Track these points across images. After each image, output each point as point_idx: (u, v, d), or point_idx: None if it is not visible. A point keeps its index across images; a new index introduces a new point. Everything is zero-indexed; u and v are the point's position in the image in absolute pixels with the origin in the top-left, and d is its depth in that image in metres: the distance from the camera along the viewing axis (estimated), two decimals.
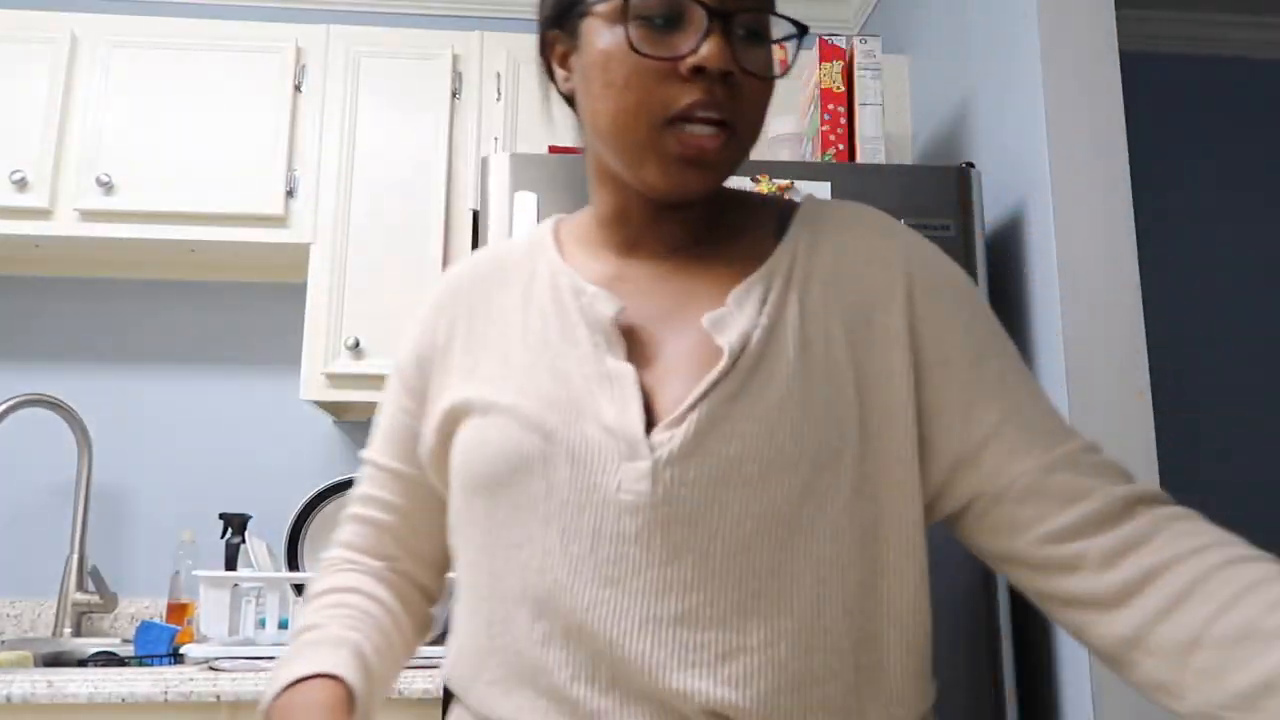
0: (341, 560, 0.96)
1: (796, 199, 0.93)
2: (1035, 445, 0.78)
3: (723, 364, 0.77)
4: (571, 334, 0.82)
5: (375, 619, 0.90)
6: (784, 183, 1.81)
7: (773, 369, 0.78)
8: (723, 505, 0.74)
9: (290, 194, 2.28)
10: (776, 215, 0.91)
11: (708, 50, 0.77)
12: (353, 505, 0.98)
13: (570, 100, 0.89)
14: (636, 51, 0.78)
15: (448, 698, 1.55)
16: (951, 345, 0.81)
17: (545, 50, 0.90)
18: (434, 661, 1.78)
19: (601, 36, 0.81)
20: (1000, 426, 0.79)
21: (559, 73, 0.89)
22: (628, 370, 0.79)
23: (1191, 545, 0.70)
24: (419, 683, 1.72)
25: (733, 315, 0.81)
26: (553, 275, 0.87)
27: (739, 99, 0.79)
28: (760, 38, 0.81)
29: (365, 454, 0.98)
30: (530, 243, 0.93)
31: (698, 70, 0.77)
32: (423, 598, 0.98)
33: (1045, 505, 0.76)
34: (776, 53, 0.84)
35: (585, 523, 0.75)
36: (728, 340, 0.79)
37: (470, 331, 0.89)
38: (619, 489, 0.74)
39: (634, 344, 0.82)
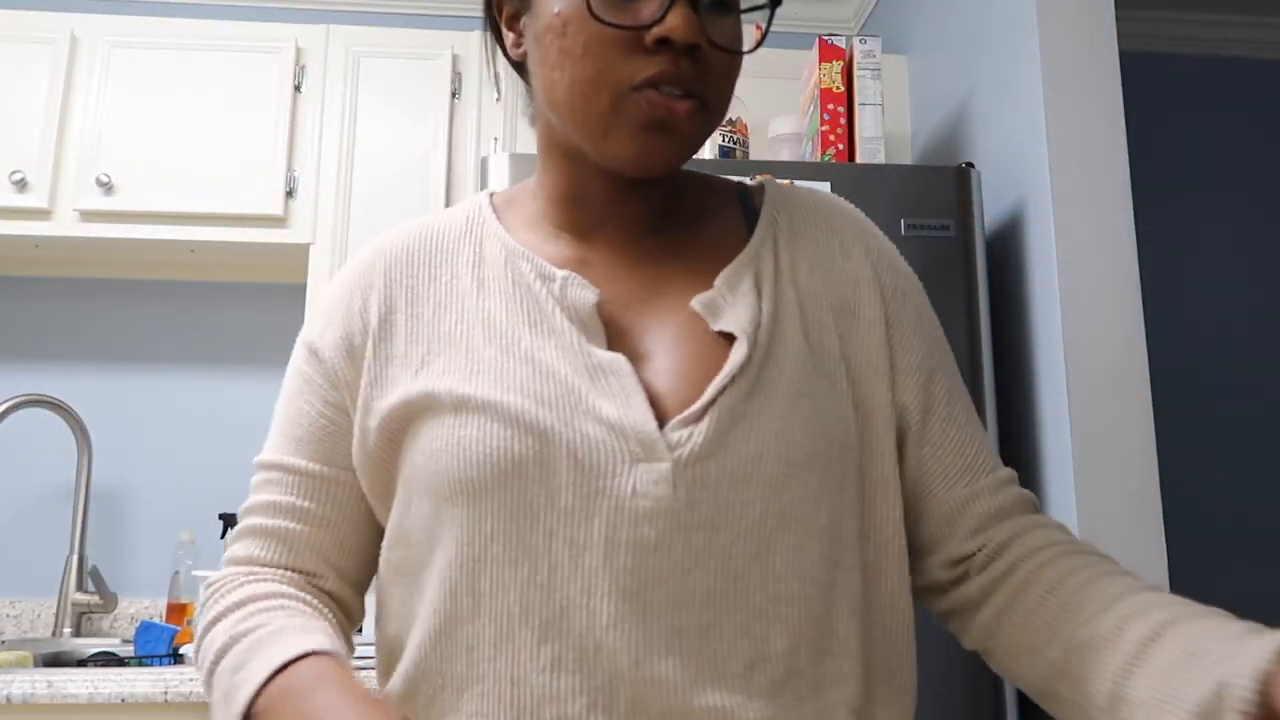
0: (245, 574, 0.79)
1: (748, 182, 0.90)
2: (964, 474, 0.80)
3: (741, 354, 0.73)
4: (546, 323, 0.75)
5: (325, 619, 0.77)
6: (784, 183, 1.80)
7: (781, 360, 0.74)
8: (744, 507, 0.69)
9: (290, 194, 2.28)
10: (737, 197, 0.86)
11: (674, 20, 0.70)
12: (250, 516, 0.82)
13: (520, 67, 0.83)
14: (596, 18, 0.71)
15: None
16: (912, 355, 0.81)
17: (492, 10, 0.84)
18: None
19: None
20: (939, 448, 0.80)
21: (508, 36, 0.82)
22: (621, 361, 0.72)
23: (1036, 544, 0.77)
24: None
25: (725, 300, 0.76)
26: (508, 258, 0.79)
27: (706, 73, 0.73)
28: (727, 7, 0.75)
29: (265, 457, 0.83)
30: (466, 220, 0.84)
31: (662, 41, 0.71)
32: (346, 620, 0.83)
33: (955, 532, 0.80)
34: (753, 30, 0.79)
35: (596, 532, 0.68)
36: (740, 327, 0.74)
37: (413, 317, 0.79)
38: (634, 493, 0.68)
39: (613, 333, 0.75)
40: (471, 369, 0.74)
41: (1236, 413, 2.82)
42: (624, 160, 0.74)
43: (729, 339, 0.74)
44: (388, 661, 0.78)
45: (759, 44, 0.77)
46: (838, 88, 2.03)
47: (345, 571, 0.82)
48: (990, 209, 2.00)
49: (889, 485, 0.78)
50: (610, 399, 0.71)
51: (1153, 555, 1.66)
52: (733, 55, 0.75)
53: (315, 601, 0.79)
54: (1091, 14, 1.84)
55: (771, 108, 2.31)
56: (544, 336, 0.74)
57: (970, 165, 1.88)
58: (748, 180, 0.90)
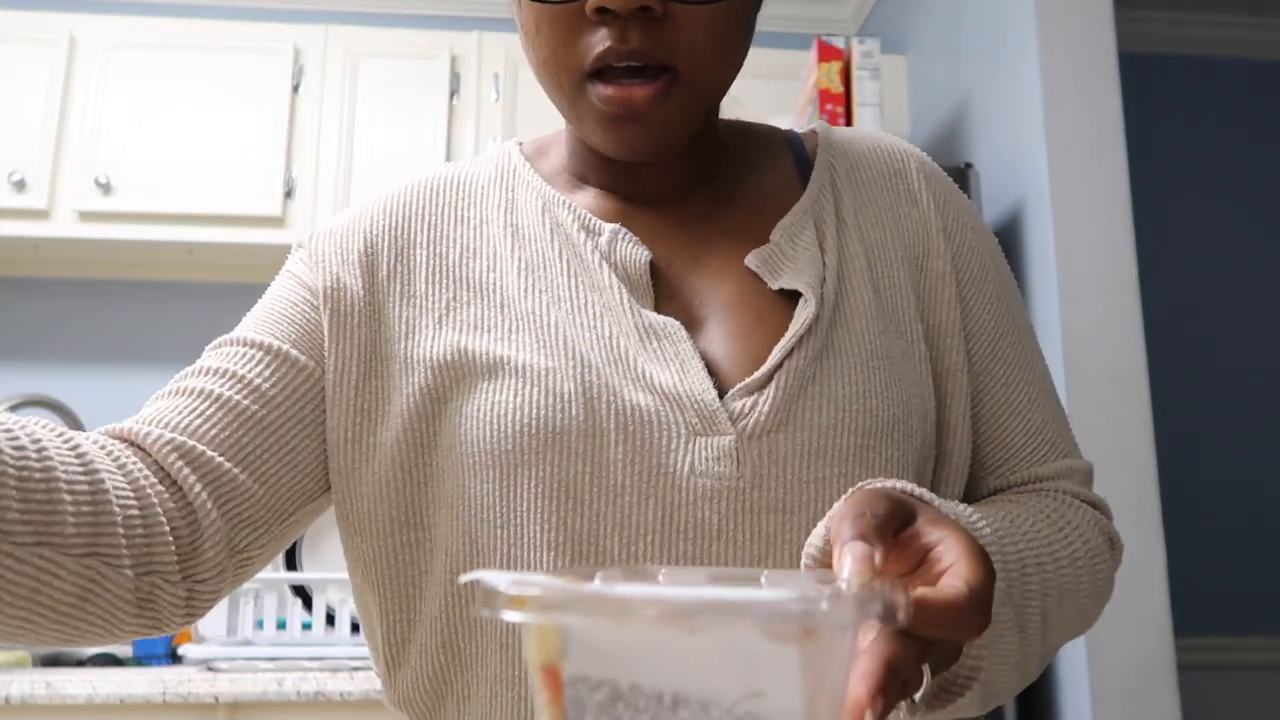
0: (119, 431, 0.63)
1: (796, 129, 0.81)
2: (1005, 463, 0.72)
3: (810, 312, 0.65)
4: (591, 279, 0.67)
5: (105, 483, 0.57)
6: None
7: (850, 320, 0.66)
8: (819, 486, 0.61)
9: (288, 195, 2.28)
10: (788, 144, 0.77)
11: None
12: (183, 379, 0.67)
13: None
14: None
15: None
16: (978, 317, 0.72)
17: None
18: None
19: None
20: (998, 421, 0.71)
21: None
22: (675, 325, 0.64)
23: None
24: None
25: (785, 254, 0.68)
26: (545, 205, 0.71)
27: (674, 32, 0.62)
28: None
29: (224, 338, 0.70)
30: (496, 167, 0.75)
31: (604, 9, 0.61)
32: (210, 551, 0.62)
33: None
34: None
35: (650, 515, 0.60)
36: (805, 283, 0.66)
37: (436, 255, 0.70)
38: (692, 471, 0.61)
39: (662, 295, 0.67)
40: (508, 326, 0.66)
41: (1235, 412, 2.82)
42: (602, 148, 0.67)
43: (790, 301, 0.66)
44: (395, 660, 0.69)
45: None
46: (836, 88, 2.03)
47: (267, 480, 0.65)
48: (989, 210, 2.00)
49: (957, 461, 0.70)
50: (663, 365, 0.63)
51: (1151, 554, 1.66)
52: (706, 5, 0.63)
53: (141, 479, 0.59)
54: (1090, 15, 1.84)
55: (770, 108, 2.31)
56: (590, 294, 0.66)
57: (969, 166, 1.88)
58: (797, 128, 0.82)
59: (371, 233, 0.71)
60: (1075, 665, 1.66)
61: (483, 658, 0.65)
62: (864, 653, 0.42)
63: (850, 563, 0.44)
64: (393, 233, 0.71)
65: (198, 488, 0.62)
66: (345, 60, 2.37)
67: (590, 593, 0.35)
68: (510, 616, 0.35)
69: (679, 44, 0.63)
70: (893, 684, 0.41)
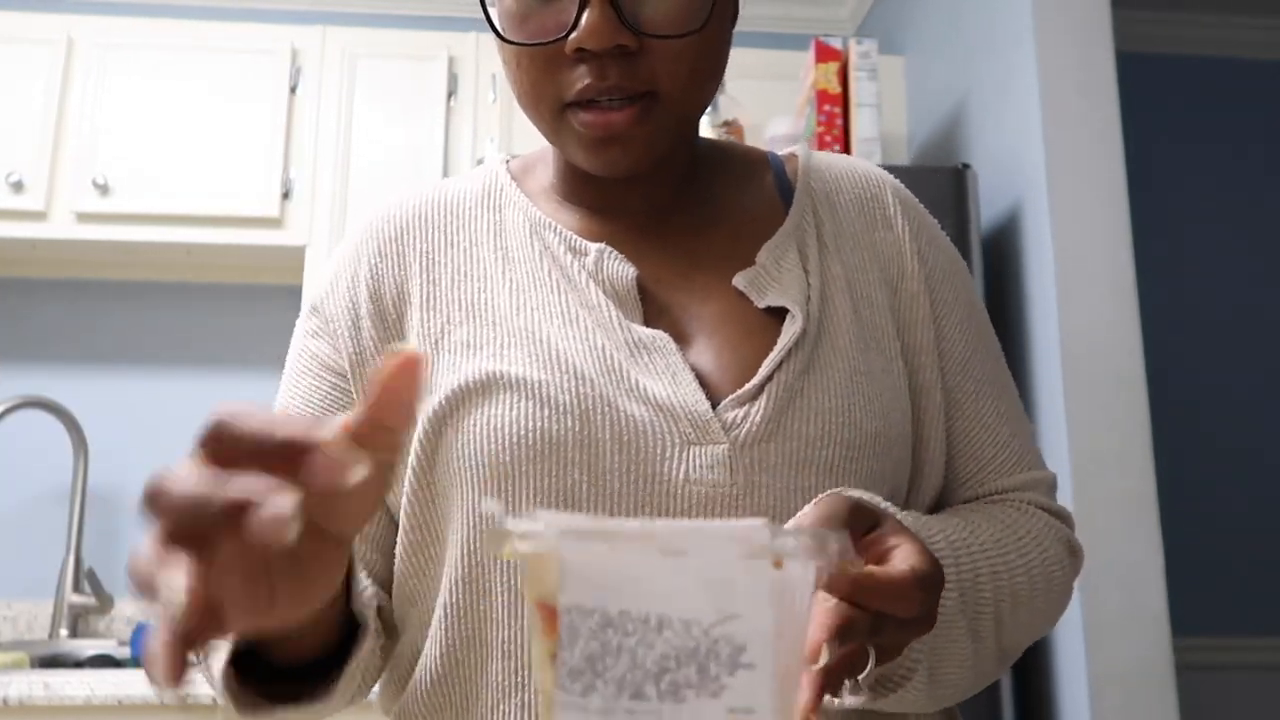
0: None
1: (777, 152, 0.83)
2: (975, 475, 0.74)
3: (797, 327, 0.67)
4: (581, 296, 0.69)
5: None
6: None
7: (834, 336, 0.69)
8: (806, 494, 0.63)
9: (286, 196, 2.28)
10: (768, 166, 0.80)
11: (585, 27, 0.63)
12: None
13: None
14: (507, 41, 0.66)
15: None
16: (950, 336, 0.75)
17: None
18: None
19: (494, 1, 0.67)
20: (969, 436, 0.74)
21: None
22: (665, 338, 0.67)
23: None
24: None
25: (770, 274, 0.70)
26: (533, 228, 0.73)
27: (650, 64, 0.65)
28: None
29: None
30: (484, 187, 0.77)
31: (583, 48, 0.64)
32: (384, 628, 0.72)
33: None
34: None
35: None
36: (792, 300, 0.69)
37: (430, 285, 0.72)
38: (686, 479, 0.63)
39: (650, 311, 0.69)
40: (500, 342, 0.68)
41: (1232, 411, 2.82)
42: (586, 168, 0.69)
43: (776, 318, 0.69)
44: (403, 669, 0.71)
45: (710, 15, 0.66)
46: (834, 89, 2.03)
47: (376, 571, 0.72)
48: (986, 210, 2.00)
49: (930, 473, 0.73)
50: (655, 377, 0.65)
51: (1149, 553, 1.66)
52: (678, 38, 0.65)
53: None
54: (1088, 16, 1.84)
55: (768, 109, 2.31)
56: (582, 310, 0.68)
57: (966, 166, 1.88)
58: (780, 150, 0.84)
59: (373, 279, 0.73)
60: (1074, 665, 1.66)
61: (484, 667, 0.66)
62: (821, 612, 0.46)
63: (814, 513, 0.51)
64: (391, 270, 0.73)
65: (381, 597, 0.73)
66: (343, 61, 2.37)
67: (585, 526, 0.38)
68: (519, 547, 0.38)
69: (656, 73, 0.65)
70: (845, 635, 0.46)
